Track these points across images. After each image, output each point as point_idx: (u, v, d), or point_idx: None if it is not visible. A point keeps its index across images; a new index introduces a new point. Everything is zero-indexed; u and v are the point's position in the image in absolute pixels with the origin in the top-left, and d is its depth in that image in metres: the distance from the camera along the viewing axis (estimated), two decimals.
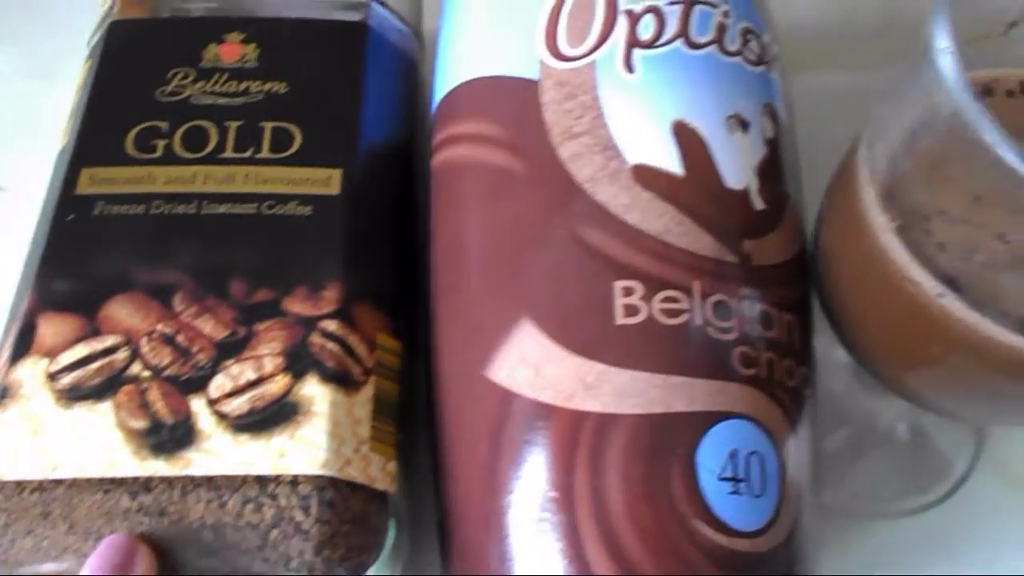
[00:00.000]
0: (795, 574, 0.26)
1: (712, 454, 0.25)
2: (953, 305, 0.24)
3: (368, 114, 0.33)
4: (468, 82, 0.31)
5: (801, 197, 0.31)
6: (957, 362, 0.25)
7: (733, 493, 0.25)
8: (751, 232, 0.28)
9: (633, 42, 0.29)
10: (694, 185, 0.28)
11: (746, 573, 0.25)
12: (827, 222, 0.29)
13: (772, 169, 0.29)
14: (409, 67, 0.37)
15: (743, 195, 0.28)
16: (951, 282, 0.24)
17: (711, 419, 0.26)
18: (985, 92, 0.28)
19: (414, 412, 0.30)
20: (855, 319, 0.28)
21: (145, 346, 0.27)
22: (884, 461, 0.38)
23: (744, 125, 0.29)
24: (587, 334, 0.26)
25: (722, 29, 0.30)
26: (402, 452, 0.29)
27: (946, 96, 0.21)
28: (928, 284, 0.24)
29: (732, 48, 0.30)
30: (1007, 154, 0.20)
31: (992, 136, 0.20)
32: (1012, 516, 0.36)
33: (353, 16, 0.35)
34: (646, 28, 0.29)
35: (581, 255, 0.27)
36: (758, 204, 0.29)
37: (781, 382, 0.27)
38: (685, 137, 0.28)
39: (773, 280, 0.28)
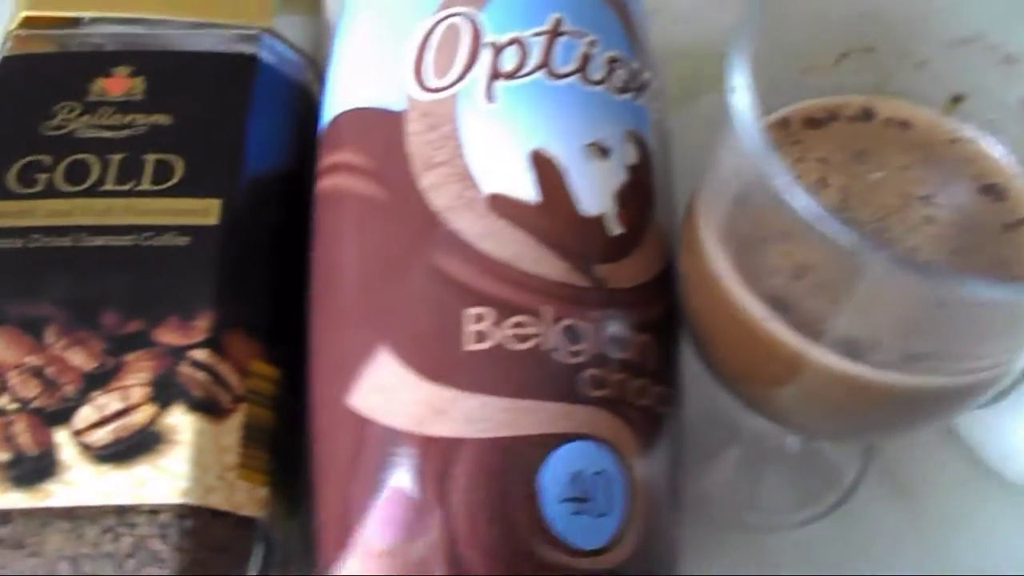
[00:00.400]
0: None
1: (556, 475, 0.26)
2: (778, 328, 0.25)
3: (253, 145, 0.33)
4: (344, 112, 0.31)
5: (673, 218, 0.32)
6: (792, 383, 0.26)
7: (576, 513, 0.26)
8: (606, 256, 0.29)
9: (495, 73, 0.30)
10: (548, 212, 0.28)
11: None
12: (681, 246, 0.29)
13: (633, 194, 0.30)
14: (304, 97, 0.37)
15: (599, 221, 0.29)
16: (776, 306, 0.25)
17: (557, 441, 0.26)
18: (830, 117, 0.29)
19: (297, 437, 0.30)
20: (705, 339, 0.29)
21: (14, 379, 0.28)
22: (775, 475, 0.39)
23: (604, 152, 0.30)
24: (438, 360, 0.27)
25: (586, 59, 0.30)
26: (277, 478, 0.29)
27: (742, 135, 0.22)
28: (755, 308, 0.25)
29: (596, 77, 0.31)
30: (791, 195, 0.21)
31: (779, 177, 0.21)
32: (900, 525, 0.37)
33: (245, 48, 0.35)
34: (508, 59, 0.30)
35: (435, 283, 0.27)
36: (615, 229, 0.29)
37: (633, 402, 0.28)
38: (542, 165, 0.29)
39: (629, 302, 0.29)
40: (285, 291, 0.32)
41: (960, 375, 0.25)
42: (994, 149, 0.28)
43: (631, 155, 0.30)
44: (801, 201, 0.21)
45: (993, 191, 0.27)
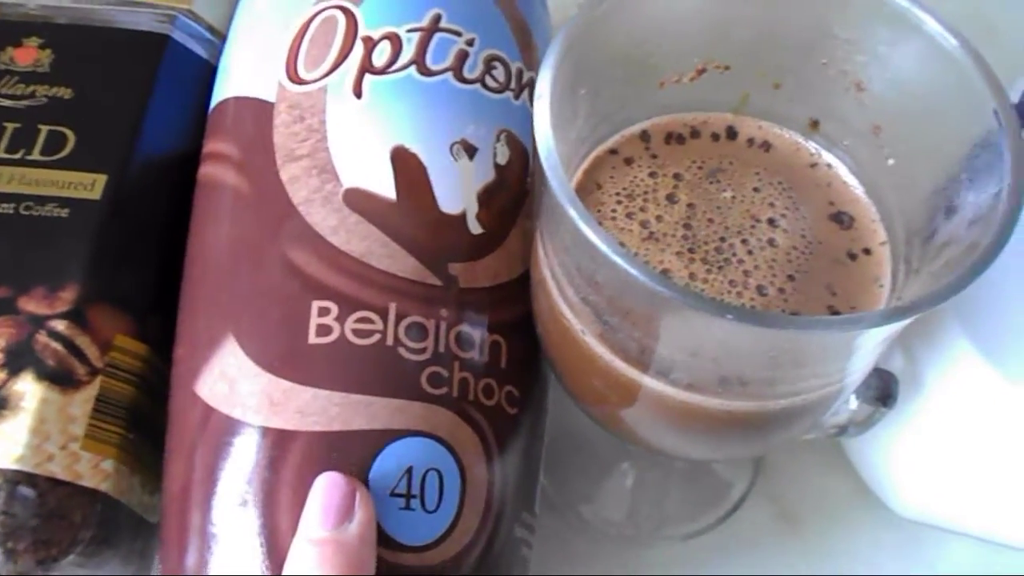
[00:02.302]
0: None
1: (386, 471, 0.26)
2: (607, 355, 0.24)
3: (152, 125, 0.33)
4: (224, 100, 0.31)
5: None
6: (628, 406, 0.25)
7: (404, 509, 0.25)
8: (462, 255, 0.28)
9: (366, 68, 0.29)
10: (405, 209, 0.28)
11: None
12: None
13: (499, 194, 0.29)
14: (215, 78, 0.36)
15: (459, 219, 0.28)
16: (603, 335, 0.24)
17: (389, 437, 0.26)
18: (692, 134, 0.28)
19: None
20: (552, 358, 0.28)
21: None
22: (662, 489, 0.38)
23: (470, 151, 0.29)
24: (279, 352, 0.26)
25: (462, 57, 0.30)
26: (133, 453, 0.29)
27: (541, 152, 0.21)
28: (575, 323, 0.24)
29: (471, 76, 0.30)
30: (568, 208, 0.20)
31: (561, 191, 0.20)
32: (777, 548, 0.37)
33: (158, 26, 0.35)
34: (381, 54, 0.29)
35: (286, 275, 0.27)
36: (475, 228, 0.29)
37: (478, 402, 0.27)
38: (402, 162, 0.28)
39: (482, 302, 0.28)
40: (168, 272, 0.31)
41: (778, 399, 0.24)
42: (849, 176, 0.27)
43: (502, 155, 0.30)
44: (592, 233, 0.20)
45: (842, 219, 0.26)
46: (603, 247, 0.20)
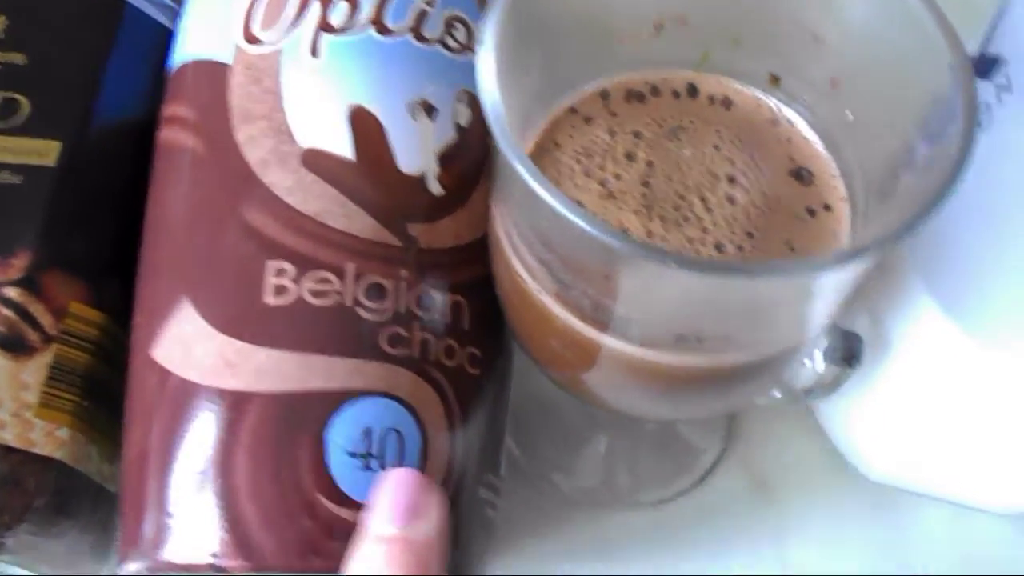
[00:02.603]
0: None
1: (344, 431, 0.25)
2: (564, 315, 0.24)
3: (109, 90, 0.32)
4: (182, 64, 0.30)
5: None
6: (589, 367, 0.25)
7: (363, 469, 0.25)
8: (422, 216, 0.28)
9: (323, 27, 0.28)
10: (363, 169, 0.27)
11: None
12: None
13: (460, 155, 0.29)
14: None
15: (418, 180, 0.28)
16: (559, 295, 0.24)
17: (347, 397, 0.26)
18: (653, 92, 0.27)
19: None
20: (512, 320, 0.28)
21: None
22: (632, 456, 0.38)
23: (430, 111, 0.28)
24: (235, 313, 0.26)
25: (422, 16, 0.29)
26: (89, 420, 0.28)
27: (485, 106, 0.21)
28: (531, 282, 0.24)
29: (430, 35, 0.29)
30: (517, 164, 0.20)
31: (507, 147, 0.20)
32: (748, 513, 0.36)
33: None
34: (338, 14, 0.29)
35: (241, 236, 0.26)
36: (435, 189, 0.28)
37: (439, 362, 0.27)
38: (361, 122, 0.28)
39: (443, 263, 0.28)
40: (126, 239, 0.31)
41: (736, 353, 0.24)
42: (810, 132, 0.27)
43: (464, 116, 0.29)
44: (539, 186, 0.20)
45: (802, 175, 0.26)
46: (551, 200, 0.20)
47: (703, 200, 0.25)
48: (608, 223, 0.24)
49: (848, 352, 0.30)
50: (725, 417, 0.38)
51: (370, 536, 0.21)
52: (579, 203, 0.25)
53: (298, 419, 0.25)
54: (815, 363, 0.30)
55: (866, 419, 0.35)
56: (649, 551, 0.36)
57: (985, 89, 0.23)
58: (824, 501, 0.37)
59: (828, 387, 0.31)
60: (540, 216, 0.22)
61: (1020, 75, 0.22)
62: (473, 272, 0.29)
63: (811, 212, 0.26)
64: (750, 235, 0.25)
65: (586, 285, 0.23)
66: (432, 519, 0.21)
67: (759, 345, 0.23)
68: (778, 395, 0.32)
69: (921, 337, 0.29)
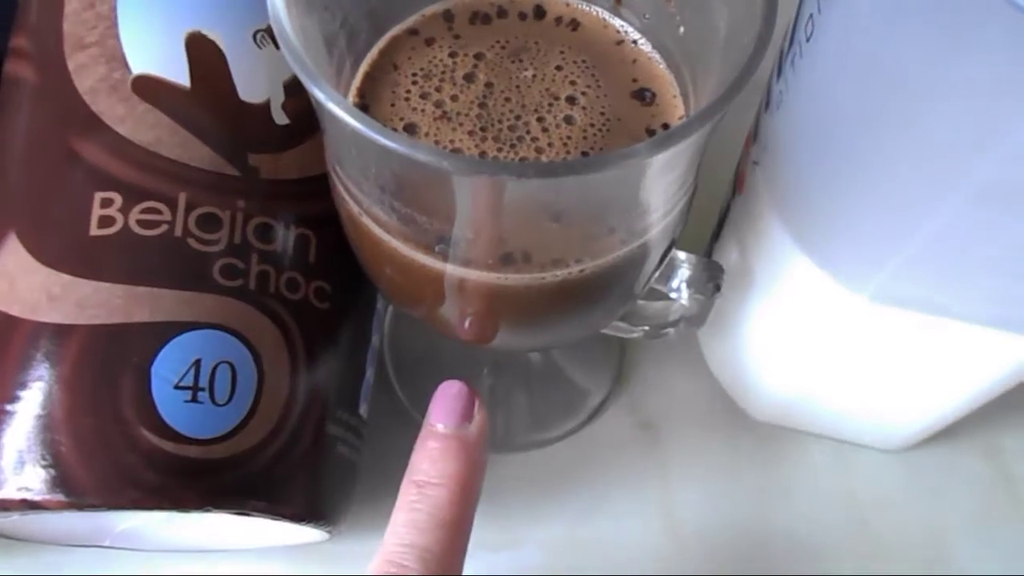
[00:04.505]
0: (266, 479, 0.25)
1: (171, 363, 0.24)
2: (370, 224, 0.22)
3: None
4: None
5: None
6: (436, 296, 0.24)
7: (190, 401, 0.24)
8: (265, 146, 0.27)
9: None
10: (199, 97, 0.26)
11: (194, 477, 0.24)
12: None
13: None
14: None
15: (261, 109, 0.27)
16: (369, 205, 0.22)
17: (176, 329, 0.24)
18: (499, 13, 0.26)
19: None
20: (361, 259, 0.26)
21: None
22: (519, 398, 0.37)
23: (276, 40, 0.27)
24: (60, 246, 0.25)
25: None
26: None
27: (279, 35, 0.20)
28: (353, 206, 0.23)
29: None
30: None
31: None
32: (631, 456, 0.36)
33: None
34: None
35: (68, 167, 0.25)
36: (280, 119, 0.27)
37: (278, 294, 0.26)
38: (199, 48, 0.26)
39: (287, 194, 0.27)
40: None
41: (568, 269, 0.22)
42: (654, 52, 0.25)
43: None
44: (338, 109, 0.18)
45: (644, 95, 0.25)
46: (341, 113, 0.18)
47: (540, 121, 0.24)
48: (400, 134, 0.23)
49: (710, 281, 0.29)
50: (614, 359, 0.37)
51: (426, 435, 0.25)
52: (412, 124, 0.24)
53: (121, 351, 0.24)
54: (680, 294, 0.29)
55: (746, 359, 0.34)
56: (532, 494, 0.35)
57: (810, 1, 0.22)
58: (709, 441, 0.36)
59: (694, 319, 0.30)
60: (338, 131, 0.20)
61: None
62: (323, 205, 0.27)
63: (650, 132, 0.24)
64: (585, 155, 0.24)
65: (403, 207, 0.22)
66: (479, 422, 0.25)
67: (583, 260, 0.22)
68: (644, 328, 0.31)
69: (781, 272, 0.28)
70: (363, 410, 0.30)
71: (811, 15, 0.22)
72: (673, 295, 0.29)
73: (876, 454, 0.35)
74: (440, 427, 0.25)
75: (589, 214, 0.22)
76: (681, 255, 0.29)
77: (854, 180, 0.23)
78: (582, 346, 0.37)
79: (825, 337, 0.29)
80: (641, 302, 0.31)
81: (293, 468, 0.26)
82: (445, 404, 0.25)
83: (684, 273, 0.29)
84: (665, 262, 0.26)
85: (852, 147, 0.22)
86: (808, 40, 0.22)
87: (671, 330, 0.31)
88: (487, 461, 0.25)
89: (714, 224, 0.34)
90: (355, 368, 0.29)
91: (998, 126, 0.18)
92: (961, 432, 0.35)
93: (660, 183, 0.22)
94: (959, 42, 0.17)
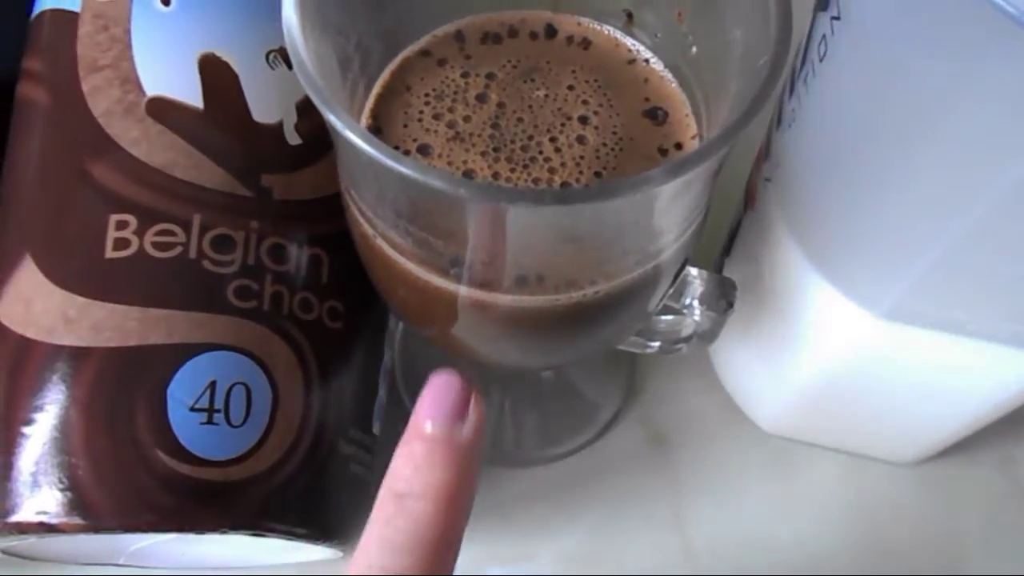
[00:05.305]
0: (281, 499, 0.25)
1: (186, 385, 0.24)
2: (383, 246, 0.22)
3: None
4: (38, 15, 0.29)
5: None
6: (420, 307, 0.24)
7: (206, 423, 0.24)
8: (278, 166, 0.26)
9: None
10: (212, 119, 0.26)
11: (210, 499, 0.24)
12: None
13: None
14: None
15: (274, 130, 0.27)
16: (383, 228, 0.22)
17: (191, 351, 0.24)
18: (510, 33, 0.26)
19: None
20: (372, 277, 0.26)
21: None
22: (531, 413, 0.37)
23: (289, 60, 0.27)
24: (75, 268, 0.25)
25: None
26: None
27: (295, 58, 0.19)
28: (368, 228, 0.23)
29: None
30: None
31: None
32: (642, 470, 0.35)
33: None
34: None
35: (83, 189, 0.25)
36: (293, 139, 0.27)
37: (292, 315, 0.26)
38: (212, 70, 0.26)
39: (300, 215, 0.27)
40: None
41: (581, 291, 0.22)
42: (665, 71, 0.25)
43: None
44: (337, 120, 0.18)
45: (657, 114, 0.25)
46: (356, 139, 0.18)
47: (552, 141, 0.24)
48: (412, 159, 0.22)
49: (722, 297, 0.28)
50: (625, 372, 0.37)
51: (410, 436, 0.21)
52: (425, 146, 0.24)
53: (137, 374, 0.24)
54: (692, 310, 0.29)
55: (758, 372, 0.34)
56: (544, 508, 0.35)
57: (823, 22, 0.22)
58: (721, 454, 0.36)
59: (706, 335, 0.30)
60: (351, 155, 0.20)
61: (847, 3, 0.20)
62: (336, 225, 0.27)
63: (663, 151, 0.24)
64: (598, 175, 0.24)
65: (417, 230, 0.22)
66: (474, 422, 0.21)
67: (598, 282, 0.22)
68: (657, 344, 0.31)
69: (793, 288, 0.28)
70: (376, 428, 0.30)
71: (824, 35, 0.22)
72: (685, 311, 0.29)
73: (888, 467, 0.35)
74: (428, 426, 0.21)
75: (603, 237, 0.21)
76: (693, 271, 0.29)
77: (867, 198, 0.23)
78: (593, 361, 0.37)
79: (838, 354, 0.29)
80: (655, 318, 0.31)
81: (307, 488, 0.26)
82: (435, 398, 0.21)
83: (696, 290, 0.29)
84: (678, 280, 0.26)
85: (866, 165, 0.22)
86: (821, 60, 0.22)
87: (684, 346, 0.30)
88: (480, 469, 0.22)
89: (724, 239, 0.34)
90: (368, 387, 0.29)
91: (1015, 144, 0.18)
92: (973, 444, 0.34)
93: (675, 206, 0.22)
94: (975, 60, 0.17)
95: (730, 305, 0.29)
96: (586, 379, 0.37)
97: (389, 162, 0.18)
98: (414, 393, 0.36)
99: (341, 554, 0.28)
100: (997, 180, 0.18)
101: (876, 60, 0.20)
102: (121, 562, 0.30)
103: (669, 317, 0.30)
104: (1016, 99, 0.17)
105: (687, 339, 0.30)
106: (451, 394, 0.21)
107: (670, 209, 0.21)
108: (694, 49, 0.24)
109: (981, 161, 0.18)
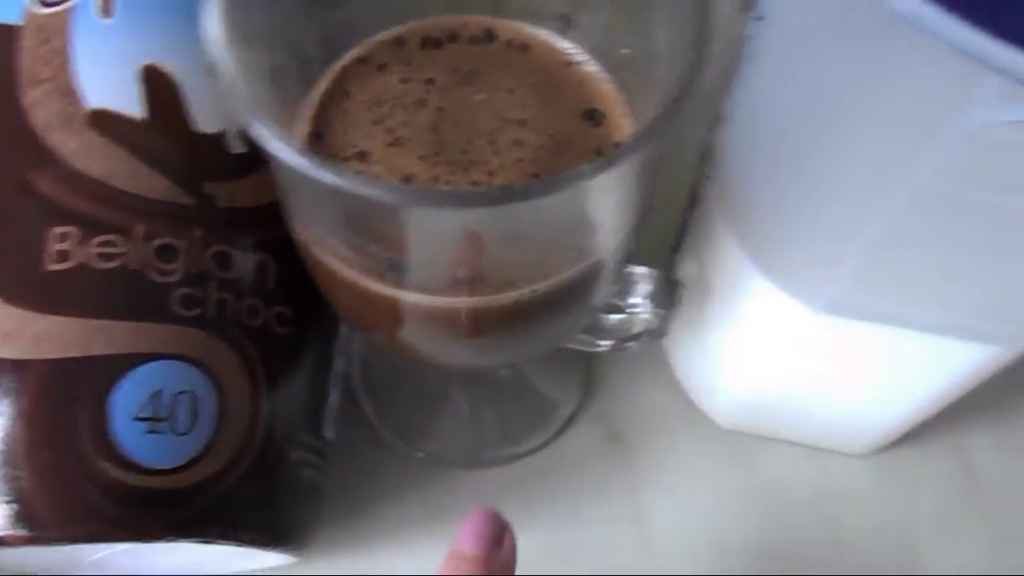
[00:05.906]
0: (229, 505, 0.25)
1: (130, 395, 0.24)
2: (321, 253, 0.22)
3: None
4: None
5: None
6: (393, 320, 0.24)
7: (151, 432, 0.24)
8: (221, 174, 0.26)
9: None
10: (154, 129, 0.26)
11: (156, 508, 0.24)
12: None
13: None
14: None
15: (216, 139, 0.26)
16: (312, 232, 0.22)
17: (134, 361, 0.24)
18: (450, 38, 0.26)
19: None
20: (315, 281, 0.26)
21: None
22: (488, 412, 0.37)
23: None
24: (14, 281, 0.24)
25: None
26: None
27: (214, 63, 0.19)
28: (303, 233, 0.23)
29: None
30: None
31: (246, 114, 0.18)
32: (601, 467, 0.36)
33: None
34: None
35: (22, 202, 0.25)
36: (237, 147, 0.27)
37: (238, 322, 0.26)
38: (154, 81, 0.26)
39: (245, 221, 0.27)
40: None
41: (518, 290, 0.22)
42: (603, 73, 0.25)
43: None
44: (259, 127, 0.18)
45: (594, 115, 0.25)
46: (278, 149, 0.18)
47: (491, 144, 0.24)
48: (331, 166, 0.22)
49: (669, 294, 0.29)
50: (582, 371, 0.37)
51: (457, 558, 0.23)
52: (365, 152, 0.24)
53: (79, 385, 0.24)
54: (641, 308, 0.29)
55: (710, 369, 0.34)
56: (504, 506, 0.34)
57: (749, 23, 0.22)
58: (678, 450, 0.36)
59: (656, 332, 0.30)
60: (281, 167, 0.20)
61: (770, 3, 0.21)
62: (283, 231, 0.27)
63: (599, 152, 0.24)
64: (535, 175, 0.24)
65: (352, 236, 0.22)
66: (507, 548, 0.24)
67: (536, 280, 0.22)
68: (607, 342, 0.31)
69: (737, 284, 0.28)
70: (329, 432, 0.30)
71: (749, 36, 0.22)
72: (634, 309, 0.29)
73: (843, 457, 0.35)
74: (468, 551, 0.23)
75: (538, 236, 0.22)
76: (640, 270, 0.29)
77: (796, 194, 0.23)
78: (550, 359, 0.37)
79: (784, 347, 0.29)
80: (603, 316, 0.31)
81: (255, 493, 0.26)
82: (474, 529, 0.23)
83: (644, 288, 0.29)
84: (623, 277, 0.26)
85: (794, 162, 0.22)
86: (748, 60, 0.22)
87: (634, 343, 0.30)
88: None
89: (673, 237, 0.34)
90: (318, 391, 0.29)
91: (917, 142, 0.18)
92: (927, 433, 0.35)
93: (608, 203, 0.22)
94: (875, 58, 0.17)
95: (677, 302, 0.29)
96: (544, 378, 0.37)
97: (313, 171, 0.18)
98: (371, 393, 0.36)
99: (295, 559, 0.28)
100: (907, 175, 0.18)
101: (795, 59, 0.20)
102: (80, 572, 0.30)
103: (618, 316, 0.31)
104: (915, 96, 0.17)
105: (636, 336, 0.30)
106: (487, 524, 0.24)
107: (604, 206, 0.22)
108: (627, 51, 0.24)
109: (890, 158, 0.18)
